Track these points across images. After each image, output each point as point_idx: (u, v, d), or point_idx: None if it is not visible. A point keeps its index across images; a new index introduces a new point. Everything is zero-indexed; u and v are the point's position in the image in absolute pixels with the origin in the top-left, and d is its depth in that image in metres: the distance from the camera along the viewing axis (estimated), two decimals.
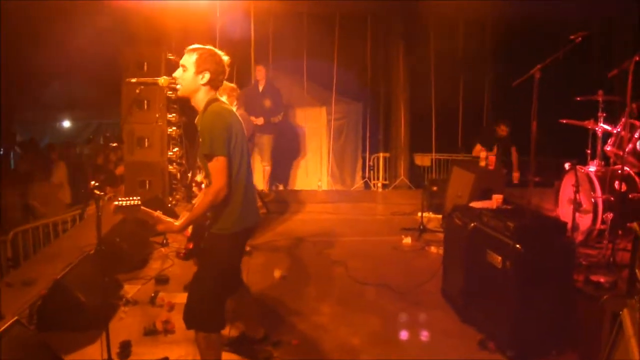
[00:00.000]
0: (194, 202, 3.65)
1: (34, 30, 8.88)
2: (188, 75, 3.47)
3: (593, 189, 5.58)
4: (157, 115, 8.04)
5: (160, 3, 7.92)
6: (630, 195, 5.55)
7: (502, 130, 8.84)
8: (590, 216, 5.54)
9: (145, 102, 8.07)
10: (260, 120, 8.85)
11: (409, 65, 11.29)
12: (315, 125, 11.34)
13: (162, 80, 3.61)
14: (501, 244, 4.28)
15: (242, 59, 10.02)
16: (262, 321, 4.69)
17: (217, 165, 3.35)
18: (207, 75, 3.46)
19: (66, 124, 18.80)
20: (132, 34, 8.02)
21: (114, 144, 10.76)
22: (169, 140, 8.44)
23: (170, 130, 8.43)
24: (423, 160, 11.81)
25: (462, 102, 11.90)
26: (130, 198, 3.35)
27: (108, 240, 5.90)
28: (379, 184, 11.68)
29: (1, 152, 11.88)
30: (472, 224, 4.70)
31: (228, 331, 4.47)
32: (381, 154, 11.90)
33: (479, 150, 8.18)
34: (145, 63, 7.99)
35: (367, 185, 12.02)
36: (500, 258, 4.26)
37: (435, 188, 8.08)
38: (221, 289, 3.62)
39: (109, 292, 5.25)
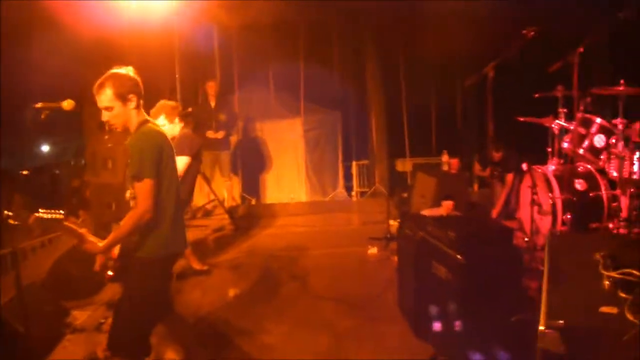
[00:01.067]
0: (121, 222, 3.48)
1: None
2: (115, 111, 3.32)
3: (551, 189, 5.37)
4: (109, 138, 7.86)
5: (115, 21, 7.79)
6: (591, 194, 5.34)
7: (495, 155, 7.76)
8: (550, 218, 5.34)
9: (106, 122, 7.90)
10: (220, 134, 8.76)
11: (381, 70, 11.10)
12: (290, 136, 11.16)
13: (66, 103, 3.47)
14: (444, 255, 4.09)
15: (206, 76, 9.84)
16: (207, 344, 4.55)
17: (144, 187, 3.22)
18: (134, 99, 3.33)
19: (45, 148, 18.71)
20: (88, 55, 7.86)
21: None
22: None
23: None
24: (404, 165, 11.59)
25: (436, 105, 11.71)
26: (54, 212, 3.20)
27: (59, 266, 5.74)
28: (353, 193, 11.43)
29: None
30: (419, 234, 4.51)
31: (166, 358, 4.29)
32: (354, 162, 11.63)
33: (478, 170, 7.87)
34: None
35: (349, 194, 11.81)
36: (444, 269, 4.08)
37: (405, 194, 7.90)
38: (145, 315, 3.46)
39: (54, 321, 5.08)
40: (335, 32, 11.31)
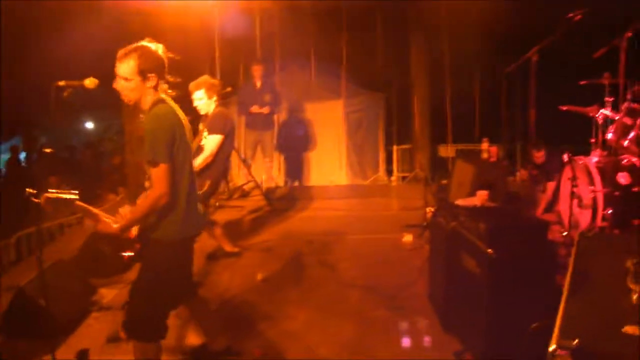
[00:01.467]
0: (137, 203, 3.45)
1: (40, 33, 8.86)
2: (132, 85, 3.24)
3: (592, 182, 5.12)
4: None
5: (157, 2, 7.77)
6: (634, 189, 5.06)
7: (536, 156, 7.11)
8: (590, 212, 5.09)
9: None
10: (265, 109, 8.69)
11: (425, 54, 10.85)
12: (332, 118, 11.01)
13: (88, 81, 3.41)
14: (474, 248, 3.92)
15: (247, 57, 9.78)
16: (230, 328, 4.51)
17: (159, 172, 3.16)
18: (154, 78, 3.26)
19: (89, 125, 18.97)
20: (130, 33, 7.87)
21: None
22: None
23: None
24: (447, 151, 11.35)
25: (480, 90, 11.39)
26: (68, 192, 3.19)
27: (89, 243, 5.78)
28: (393, 178, 11.23)
29: (23, 157, 12.02)
30: (451, 224, 4.34)
31: (188, 342, 4.25)
32: (395, 146, 11.43)
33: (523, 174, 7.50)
34: None
35: (389, 179, 11.62)
36: (474, 262, 3.92)
37: (445, 181, 7.70)
38: (161, 298, 3.41)
39: (81, 299, 5.12)
40: (379, 14, 11.09)
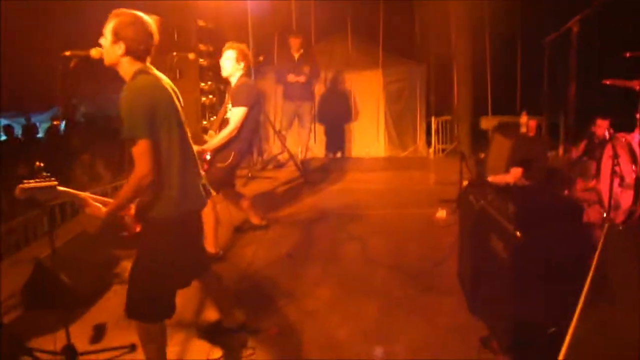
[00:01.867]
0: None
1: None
2: (106, 44, 3.13)
3: (635, 161, 4.77)
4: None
5: None
6: None
7: (600, 126, 6.47)
8: (632, 193, 4.76)
9: (177, 71, 7.82)
10: (302, 78, 8.46)
11: (466, 23, 10.41)
12: (370, 89, 10.73)
13: (94, 51, 3.27)
14: (503, 229, 3.67)
15: (282, 28, 9.53)
16: (249, 304, 4.41)
17: (139, 149, 2.97)
18: (122, 46, 3.08)
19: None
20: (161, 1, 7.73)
21: None
22: (203, 109, 8.18)
23: (204, 99, 8.16)
24: (488, 123, 10.94)
25: (521, 61, 10.90)
26: (46, 180, 3.04)
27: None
28: (431, 150, 10.87)
29: (63, 126, 12.10)
30: (480, 203, 4.10)
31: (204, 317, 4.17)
32: (434, 118, 11.05)
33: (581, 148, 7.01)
34: (175, 31, 7.74)
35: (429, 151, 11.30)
36: (502, 245, 3.68)
37: (482, 155, 7.39)
38: (162, 277, 3.28)
39: (103, 271, 5.07)
40: None
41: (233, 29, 8.78)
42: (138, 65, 3.13)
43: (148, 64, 3.20)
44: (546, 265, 3.48)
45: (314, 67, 8.65)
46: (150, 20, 3.18)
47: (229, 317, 4.04)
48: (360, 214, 6.58)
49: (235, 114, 5.32)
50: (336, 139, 10.78)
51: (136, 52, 3.10)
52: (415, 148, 10.88)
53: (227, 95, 5.55)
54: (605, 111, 6.35)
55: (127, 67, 3.12)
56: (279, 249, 5.57)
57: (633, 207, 4.70)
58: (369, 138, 10.80)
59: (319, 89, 10.42)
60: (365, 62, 10.83)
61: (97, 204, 3.19)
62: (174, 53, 7.56)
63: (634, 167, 4.70)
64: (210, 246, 5.24)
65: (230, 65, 5.44)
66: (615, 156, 4.70)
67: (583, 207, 3.78)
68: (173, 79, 7.33)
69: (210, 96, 8.30)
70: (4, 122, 13.52)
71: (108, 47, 3.11)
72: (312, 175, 8.37)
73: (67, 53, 3.36)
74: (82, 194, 3.21)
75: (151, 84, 3.11)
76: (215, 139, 5.31)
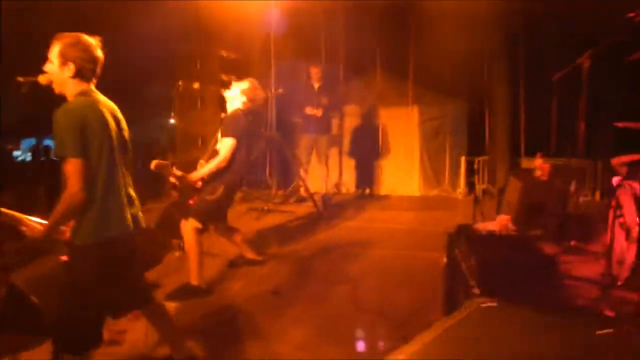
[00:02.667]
0: None
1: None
2: (54, 69, 3.15)
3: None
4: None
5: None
6: None
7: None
8: (635, 247, 4.36)
9: (199, 100, 7.87)
10: (319, 111, 8.37)
11: (506, 60, 10.10)
12: (405, 125, 10.48)
13: (42, 78, 3.27)
14: (465, 281, 3.41)
15: (310, 58, 9.47)
16: (216, 340, 4.27)
17: (69, 167, 2.97)
18: (71, 67, 3.10)
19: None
20: (184, 31, 7.83)
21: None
22: None
23: None
24: (530, 164, 10.49)
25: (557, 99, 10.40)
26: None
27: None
28: (461, 190, 10.41)
29: None
30: (454, 252, 3.84)
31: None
32: (475, 158, 10.65)
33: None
34: (198, 61, 7.81)
35: (470, 190, 10.88)
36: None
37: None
38: (86, 307, 3.19)
39: None
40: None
41: (256, 60, 8.80)
42: (83, 87, 3.15)
43: (92, 86, 3.20)
44: None
45: (336, 99, 8.54)
46: (93, 41, 3.20)
47: (179, 352, 3.89)
48: (364, 253, 6.34)
49: (224, 145, 5.26)
50: (366, 175, 10.54)
51: (84, 72, 3.13)
52: (452, 187, 10.51)
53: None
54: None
55: (72, 89, 3.15)
56: (268, 286, 5.41)
57: (636, 262, 4.31)
58: (403, 176, 10.51)
59: (350, 123, 10.35)
60: (399, 98, 10.61)
61: (33, 223, 3.16)
62: (179, 82, 7.60)
63: (638, 218, 4.32)
64: (193, 279, 5.15)
65: (233, 100, 5.45)
66: (619, 207, 4.34)
67: (555, 263, 3.46)
68: (193, 109, 7.44)
69: None
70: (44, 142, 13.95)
71: (56, 71, 3.13)
72: (330, 211, 8.19)
73: (20, 79, 3.37)
74: (19, 215, 3.19)
75: (84, 104, 3.11)
76: (203, 170, 5.26)
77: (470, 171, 10.55)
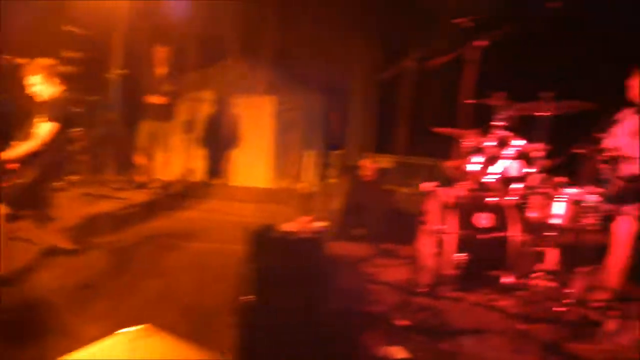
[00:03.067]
0: None
1: None
2: None
3: (448, 220, 4.50)
4: None
5: None
6: (495, 233, 4.46)
7: None
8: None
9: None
10: (162, 100, 8.22)
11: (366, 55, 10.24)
12: (262, 115, 10.40)
13: None
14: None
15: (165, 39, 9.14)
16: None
17: None
18: None
19: None
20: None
21: None
22: None
23: None
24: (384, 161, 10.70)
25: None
26: None
27: None
28: (309, 184, 10.47)
29: None
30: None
31: None
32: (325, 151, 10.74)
33: None
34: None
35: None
36: None
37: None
38: None
39: None
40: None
41: (107, 39, 8.36)
42: None
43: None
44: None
45: (179, 85, 8.29)
46: None
47: None
48: (186, 245, 6.22)
49: (42, 128, 4.95)
50: (217, 165, 10.38)
51: None
52: (303, 181, 10.52)
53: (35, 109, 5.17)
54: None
55: None
56: (78, 278, 5.12)
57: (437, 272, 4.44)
58: (253, 167, 10.44)
59: (204, 110, 10.16)
60: (259, 87, 10.50)
61: None
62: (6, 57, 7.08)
63: (443, 226, 4.45)
64: None
65: (43, 88, 5.18)
66: (425, 212, 4.44)
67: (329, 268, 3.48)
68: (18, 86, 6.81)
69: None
70: None
71: None
72: (172, 200, 7.95)
73: None
74: None
75: None
76: (16, 150, 4.92)
77: (325, 165, 10.63)
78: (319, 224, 4.23)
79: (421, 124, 9.11)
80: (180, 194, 8.66)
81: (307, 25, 9.82)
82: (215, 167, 10.40)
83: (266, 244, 3.85)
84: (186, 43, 10.40)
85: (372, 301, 4.43)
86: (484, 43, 3.86)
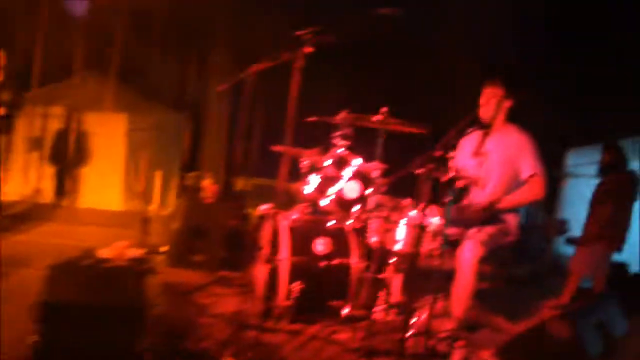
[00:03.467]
0: None
1: None
2: None
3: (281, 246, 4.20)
4: None
5: None
6: (335, 260, 4.19)
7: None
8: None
9: None
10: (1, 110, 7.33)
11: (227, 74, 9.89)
12: (113, 133, 9.78)
13: None
14: None
15: None
16: None
17: None
18: None
19: None
20: None
21: None
22: None
23: None
24: (246, 184, 10.35)
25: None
26: None
27: None
28: (157, 207, 9.95)
29: None
30: None
31: None
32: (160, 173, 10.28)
33: None
34: None
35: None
36: None
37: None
38: None
39: None
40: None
41: None
42: None
43: None
44: None
45: (20, 96, 7.54)
46: None
47: None
48: (10, 272, 5.48)
49: None
50: (66, 184, 9.68)
51: None
52: (153, 203, 9.93)
53: None
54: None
55: None
56: None
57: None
58: (104, 187, 9.79)
59: (53, 126, 9.61)
60: (109, 103, 9.87)
61: None
62: None
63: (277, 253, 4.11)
64: None
65: None
66: (261, 237, 4.08)
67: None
68: None
69: None
70: None
71: None
72: (8, 223, 7.27)
73: None
74: None
75: None
76: None
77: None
78: (136, 251, 3.80)
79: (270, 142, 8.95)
80: (21, 216, 7.97)
81: (157, 40, 9.38)
82: (64, 188, 9.63)
83: (69, 274, 3.33)
84: (32, 54, 9.57)
85: (198, 337, 3.99)
86: (309, 50, 3.57)
